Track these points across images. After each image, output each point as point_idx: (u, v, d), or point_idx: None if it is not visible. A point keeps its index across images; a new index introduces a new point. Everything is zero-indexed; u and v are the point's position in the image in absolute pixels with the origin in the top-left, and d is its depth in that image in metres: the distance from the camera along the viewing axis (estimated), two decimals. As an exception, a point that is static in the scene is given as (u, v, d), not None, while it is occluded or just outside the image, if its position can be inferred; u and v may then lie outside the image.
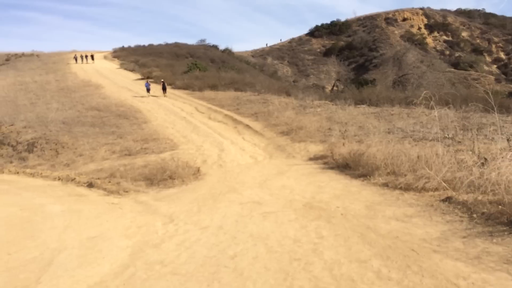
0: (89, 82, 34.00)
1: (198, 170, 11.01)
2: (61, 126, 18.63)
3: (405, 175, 7.25)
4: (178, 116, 20.58)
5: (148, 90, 27.86)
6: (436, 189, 6.64)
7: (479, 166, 6.50)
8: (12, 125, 19.96)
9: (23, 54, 64.61)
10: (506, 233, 4.96)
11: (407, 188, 7.02)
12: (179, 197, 8.20)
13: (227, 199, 7.75)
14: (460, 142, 11.05)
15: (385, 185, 7.53)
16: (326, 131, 14.39)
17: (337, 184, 8.14)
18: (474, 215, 5.53)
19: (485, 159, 7.18)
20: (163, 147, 14.76)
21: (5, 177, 14.18)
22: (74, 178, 11.88)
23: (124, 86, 32.67)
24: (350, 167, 9.33)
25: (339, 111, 18.02)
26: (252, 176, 9.82)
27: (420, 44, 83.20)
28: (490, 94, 8.26)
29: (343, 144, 10.90)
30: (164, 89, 27.62)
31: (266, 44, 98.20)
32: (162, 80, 29.12)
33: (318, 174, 9.36)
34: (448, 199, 6.09)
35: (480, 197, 5.78)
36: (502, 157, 6.06)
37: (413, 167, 7.36)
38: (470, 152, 8.37)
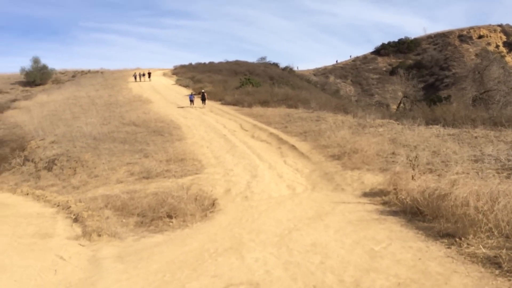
0: (140, 97, 33.14)
1: (213, 203, 8.40)
2: (88, 142, 17.01)
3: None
4: (218, 134, 18.28)
5: (191, 101, 27.87)
6: None
7: None
8: (42, 139, 18.76)
9: (89, 71, 67.10)
10: None
11: (547, 280, 3.67)
12: (153, 254, 5.49)
13: (213, 271, 4.91)
14: None
15: (495, 263, 4.17)
16: (388, 156, 11.23)
17: (403, 252, 4.96)
18: None
19: None
20: (187, 169, 12.41)
21: (10, 198, 12.53)
22: (70, 207, 9.81)
23: (173, 101, 31.40)
24: (423, 214, 6.13)
25: (406, 131, 14.61)
26: (277, 218, 6.97)
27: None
28: None
29: (412, 177, 7.72)
30: (203, 100, 27.44)
31: (336, 61, 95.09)
32: (203, 90, 28.71)
33: (372, 223, 6.25)
34: None
35: None
36: None
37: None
38: None
